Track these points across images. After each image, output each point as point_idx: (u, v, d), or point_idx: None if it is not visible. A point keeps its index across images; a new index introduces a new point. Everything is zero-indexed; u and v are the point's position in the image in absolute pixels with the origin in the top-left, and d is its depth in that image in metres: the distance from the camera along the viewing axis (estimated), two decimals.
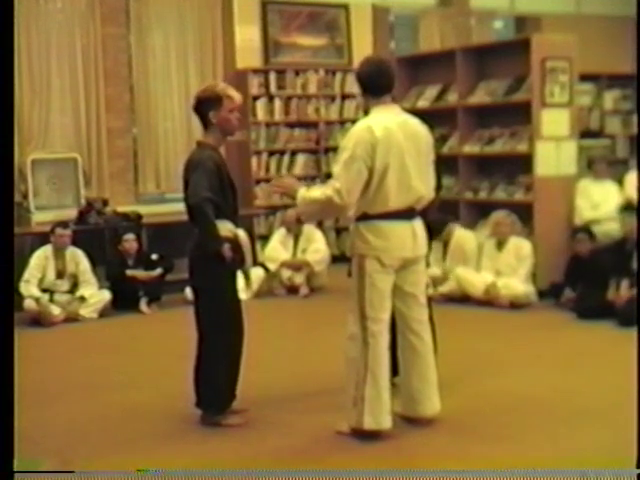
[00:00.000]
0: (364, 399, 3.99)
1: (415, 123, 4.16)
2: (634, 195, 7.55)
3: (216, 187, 4.21)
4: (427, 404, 4.23)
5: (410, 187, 4.02)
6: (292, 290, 8.17)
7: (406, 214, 4.06)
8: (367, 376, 3.99)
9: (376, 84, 4.09)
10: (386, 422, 4.05)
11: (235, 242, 4.24)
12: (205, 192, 4.13)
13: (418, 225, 4.14)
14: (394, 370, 4.29)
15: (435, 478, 3.61)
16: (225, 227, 4.21)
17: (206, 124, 4.35)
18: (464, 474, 3.59)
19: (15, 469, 2.95)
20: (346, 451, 3.97)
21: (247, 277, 4.52)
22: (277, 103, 9.74)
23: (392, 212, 4.00)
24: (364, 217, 4.04)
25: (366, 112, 4.18)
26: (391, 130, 3.98)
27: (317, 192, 4.02)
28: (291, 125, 9.86)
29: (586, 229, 7.19)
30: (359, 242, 4.06)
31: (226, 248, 4.17)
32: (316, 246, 8.34)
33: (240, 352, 4.39)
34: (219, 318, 4.29)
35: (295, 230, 8.33)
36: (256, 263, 7.93)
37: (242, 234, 4.29)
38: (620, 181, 8.11)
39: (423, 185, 4.10)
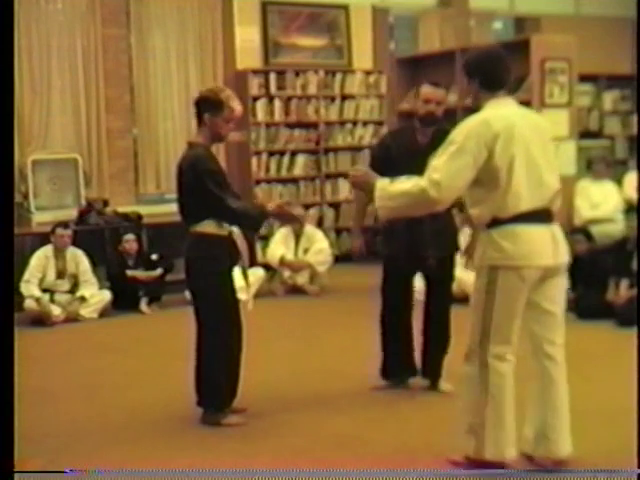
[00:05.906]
0: (484, 427, 3.55)
1: (536, 116, 3.85)
2: (634, 195, 7.57)
3: (225, 186, 4.32)
4: (562, 443, 3.66)
5: (542, 182, 3.54)
6: (293, 290, 8.17)
7: (542, 216, 3.54)
8: (488, 401, 3.54)
9: (491, 77, 3.79)
10: (510, 452, 3.60)
11: (230, 239, 4.33)
12: (229, 199, 4.23)
13: (557, 229, 3.61)
14: (411, 369, 4.14)
15: (435, 478, 3.62)
16: (219, 225, 4.29)
17: (200, 123, 4.37)
18: (464, 474, 3.60)
19: (15, 469, 2.96)
20: (346, 451, 3.97)
21: (245, 276, 4.57)
22: (277, 104, 9.73)
23: (526, 213, 3.49)
24: (495, 222, 3.51)
25: (476, 109, 3.84)
26: (512, 121, 3.58)
27: (407, 184, 3.49)
28: (291, 126, 9.85)
29: (583, 230, 7.18)
30: (491, 251, 3.52)
31: (272, 207, 4.39)
32: (319, 246, 8.29)
33: (240, 351, 4.40)
34: (217, 318, 4.30)
35: (297, 230, 8.31)
36: (256, 263, 7.94)
37: (236, 231, 4.38)
38: (619, 181, 8.13)
39: (555, 180, 3.62)
